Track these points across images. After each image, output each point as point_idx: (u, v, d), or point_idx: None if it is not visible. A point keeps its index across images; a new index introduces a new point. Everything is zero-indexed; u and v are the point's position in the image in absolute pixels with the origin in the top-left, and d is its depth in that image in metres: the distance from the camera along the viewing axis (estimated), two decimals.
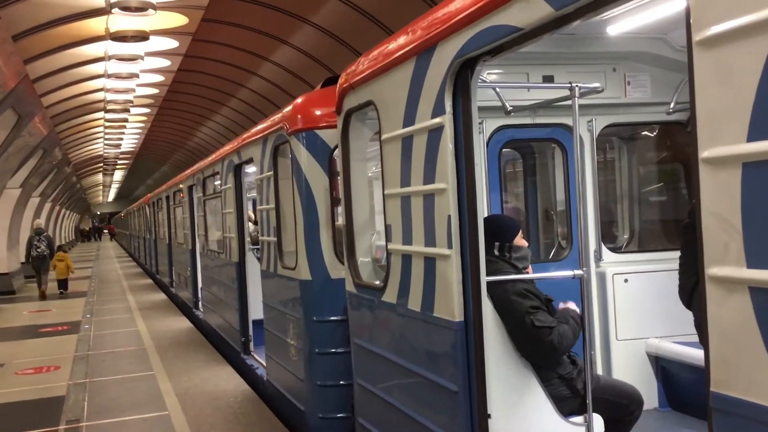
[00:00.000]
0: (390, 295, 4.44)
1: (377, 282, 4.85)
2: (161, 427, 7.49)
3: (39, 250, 20.78)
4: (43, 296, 20.80)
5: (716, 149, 2.17)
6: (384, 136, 4.43)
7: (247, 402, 8.27)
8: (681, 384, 5.30)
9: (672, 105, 5.34)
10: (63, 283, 21.59)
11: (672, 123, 5.67)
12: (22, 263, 25.12)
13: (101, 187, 67.56)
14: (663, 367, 5.35)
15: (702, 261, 2.24)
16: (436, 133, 3.74)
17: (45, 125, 20.14)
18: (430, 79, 3.79)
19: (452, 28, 3.55)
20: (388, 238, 4.47)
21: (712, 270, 2.21)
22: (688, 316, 4.16)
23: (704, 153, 2.20)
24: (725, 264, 2.17)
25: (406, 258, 4.19)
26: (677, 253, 4.34)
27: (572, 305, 4.21)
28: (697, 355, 4.80)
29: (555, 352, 3.93)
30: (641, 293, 5.42)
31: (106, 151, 39.29)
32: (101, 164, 46.55)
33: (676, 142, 6.11)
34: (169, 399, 8.55)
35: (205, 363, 10.51)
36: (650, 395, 5.25)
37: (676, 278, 4.31)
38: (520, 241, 4.33)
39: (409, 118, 4.05)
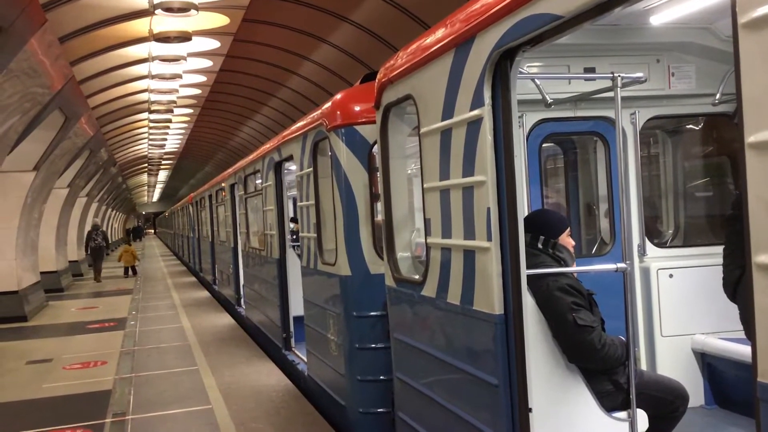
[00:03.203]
0: (429, 289, 4.43)
1: (417, 276, 4.84)
2: (205, 420, 7.60)
3: (96, 242, 25.89)
4: (98, 280, 25.89)
5: (763, 133, 2.11)
6: (423, 130, 4.41)
7: (288, 396, 8.34)
8: (728, 381, 5.18)
9: (718, 96, 5.22)
10: (129, 269, 27.70)
11: (718, 115, 5.55)
12: (70, 262, 26.16)
13: (146, 187, 68.64)
14: (709, 363, 5.23)
15: (749, 248, 2.19)
16: (475, 125, 3.71)
17: (91, 126, 20.52)
18: (469, 71, 3.76)
19: (491, 18, 3.52)
20: (427, 232, 4.46)
21: (760, 257, 2.15)
22: (735, 311, 4.06)
23: (750, 138, 2.15)
24: None
25: (446, 251, 4.18)
26: (723, 248, 4.25)
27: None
28: (744, 351, 4.68)
29: (595, 354, 3.81)
30: (686, 288, 5.31)
31: (150, 151, 39.86)
32: (146, 164, 47.26)
33: (722, 134, 5.97)
34: (212, 393, 8.67)
35: (247, 358, 10.63)
36: (696, 392, 5.15)
37: (721, 273, 4.21)
38: (565, 239, 4.28)
39: (448, 111, 4.03)
